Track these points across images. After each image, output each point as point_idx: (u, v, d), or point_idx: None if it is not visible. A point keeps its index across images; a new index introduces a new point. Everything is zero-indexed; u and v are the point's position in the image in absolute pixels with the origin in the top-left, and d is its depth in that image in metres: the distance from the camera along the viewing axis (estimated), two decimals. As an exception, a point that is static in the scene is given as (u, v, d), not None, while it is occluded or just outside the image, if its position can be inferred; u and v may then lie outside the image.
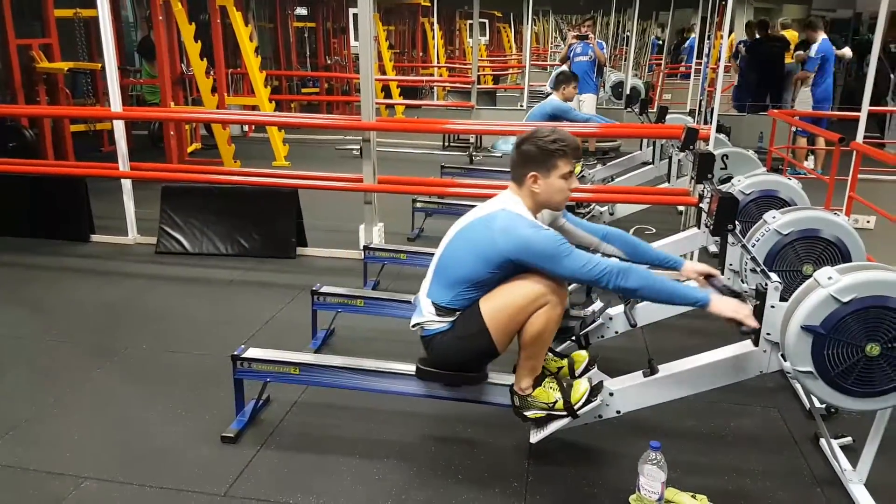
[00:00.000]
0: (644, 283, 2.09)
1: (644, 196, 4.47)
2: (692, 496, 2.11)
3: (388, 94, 12.44)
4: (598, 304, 2.95)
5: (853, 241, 2.66)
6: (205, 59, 6.89)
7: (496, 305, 2.19)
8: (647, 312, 2.93)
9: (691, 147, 3.44)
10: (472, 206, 5.03)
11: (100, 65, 6.98)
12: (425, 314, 2.30)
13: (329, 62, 12.98)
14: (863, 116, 3.52)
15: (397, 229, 5.07)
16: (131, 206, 4.74)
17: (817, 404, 2.42)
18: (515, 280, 2.19)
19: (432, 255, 3.86)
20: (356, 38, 10.41)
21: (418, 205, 5.09)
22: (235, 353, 2.52)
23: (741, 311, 2.09)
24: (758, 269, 2.12)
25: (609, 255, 2.45)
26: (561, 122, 5.74)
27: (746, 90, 8.60)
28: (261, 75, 7.72)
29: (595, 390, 2.23)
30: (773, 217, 2.70)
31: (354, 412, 2.68)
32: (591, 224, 2.61)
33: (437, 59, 15.49)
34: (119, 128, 4.61)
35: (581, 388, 2.22)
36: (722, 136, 4.72)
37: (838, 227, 2.66)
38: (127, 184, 4.69)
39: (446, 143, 9.39)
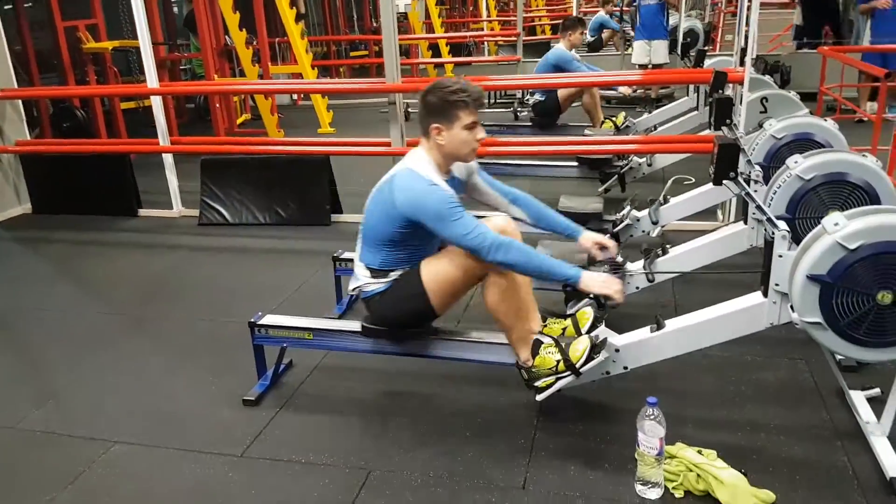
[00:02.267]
0: (520, 258, 2.14)
1: (662, 145, 4.29)
2: (698, 451, 2.07)
3: (437, 53, 12.31)
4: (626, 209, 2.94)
5: (883, 185, 2.49)
6: (244, 29, 6.96)
7: (434, 270, 2.26)
8: (667, 266, 2.87)
9: (720, 91, 3.28)
10: (509, 165, 5.05)
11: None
12: (360, 278, 2.37)
13: (375, 24, 12.90)
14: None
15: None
16: (174, 180, 4.91)
17: (839, 356, 2.31)
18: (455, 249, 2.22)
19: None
20: (395, -2, 10.44)
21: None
22: (252, 319, 2.61)
23: (611, 286, 2.16)
24: (763, 218, 2.02)
25: (516, 218, 2.48)
26: (565, 72, 5.58)
27: (806, 27, 8.07)
28: (303, 42, 7.77)
29: (597, 347, 2.20)
30: (796, 162, 2.56)
31: (372, 374, 2.74)
32: (503, 186, 2.60)
33: (488, 12, 15.17)
34: (157, 103, 4.75)
35: (580, 346, 2.20)
36: (767, 77, 4.47)
37: (866, 169, 2.49)
38: (168, 158, 4.86)
39: (492, 101, 9.24)
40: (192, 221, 4.83)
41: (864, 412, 2.25)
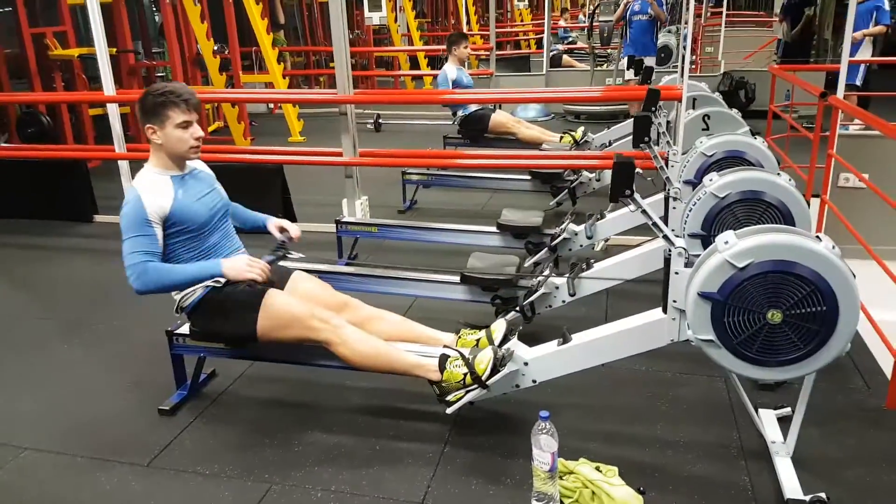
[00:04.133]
0: (159, 278, 2.25)
1: (605, 161, 4.31)
2: (597, 467, 2.07)
3: (416, 66, 12.36)
4: (546, 273, 2.92)
5: (796, 203, 2.51)
6: (212, 38, 6.98)
7: (274, 309, 2.33)
8: (591, 283, 2.88)
9: (653, 109, 3.31)
10: (467, 177, 5.05)
11: (114, 49, 7.22)
12: (176, 295, 2.41)
13: (350, 36, 12.92)
14: (843, 68, 3.29)
15: (392, 202, 5.09)
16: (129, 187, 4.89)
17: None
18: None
19: (408, 227, 3.97)
20: (369, 9, 10.49)
21: (408, 177, 5.07)
22: (169, 329, 2.60)
23: (249, 270, 2.31)
24: (660, 235, 2.04)
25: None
26: (465, 89, 5.54)
27: (794, 44, 8.18)
28: (274, 52, 7.79)
29: (502, 360, 2.20)
30: (711, 179, 2.58)
31: (294, 384, 2.73)
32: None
33: (469, 27, 15.24)
34: (112, 110, 4.74)
35: (484, 358, 2.20)
36: (715, 94, 4.51)
37: (780, 188, 2.51)
38: (124, 165, 4.85)
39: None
40: (146, 229, 4.81)
41: (771, 431, 2.26)
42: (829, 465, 2.18)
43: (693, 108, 4.22)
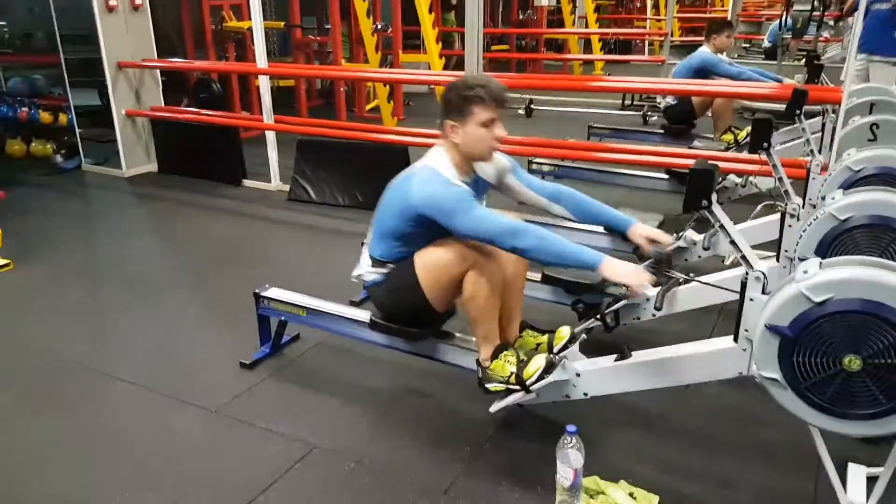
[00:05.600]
0: (536, 243, 2.02)
1: (757, 167, 3.89)
2: (630, 493, 1.92)
3: (589, 49, 11.99)
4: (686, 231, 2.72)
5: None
6: (371, 16, 7.23)
7: (426, 260, 2.19)
8: (688, 298, 2.65)
9: (797, 112, 2.94)
10: (599, 172, 4.79)
11: (283, 23, 7.73)
12: (363, 266, 2.36)
13: (521, 17, 12.83)
14: None
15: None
16: (274, 156, 5.26)
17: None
18: (448, 238, 2.15)
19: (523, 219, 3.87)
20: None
21: (534, 166, 4.94)
22: (256, 290, 2.76)
23: (634, 277, 2.00)
24: (738, 254, 1.82)
25: (559, 216, 2.46)
26: (710, 77, 5.15)
27: None
28: (433, 32, 7.91)
29: (550, 366, 2.10)
30: (833, 198, 2.26)
31: (367, 360, 2.80)
32: (543, 183, 2.48)
33: (657, 10, 14.47)
34: (263, 82, 5.10)
35: (535, 364, 2.11)
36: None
37: (915, 215, 2.14)
38: (270, 135, 5.20)
39: (627, 103, 8.88)
40: (284, 196, 5.15)
41: (854, 490, 1.96)
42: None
43: (871, 113, 3.73)
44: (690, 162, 4.28)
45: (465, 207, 2.07)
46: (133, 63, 5.54)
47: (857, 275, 1.60)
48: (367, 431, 2.35)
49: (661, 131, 5.75)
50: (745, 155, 4.76)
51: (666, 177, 4.61)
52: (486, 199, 2.43)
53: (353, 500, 2.04)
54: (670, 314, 2.69)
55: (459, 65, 10.17)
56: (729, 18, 8.55)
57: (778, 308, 1.67)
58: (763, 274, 1.79)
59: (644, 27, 14.90)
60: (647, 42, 14.03)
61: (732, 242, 1.83)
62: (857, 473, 2.04)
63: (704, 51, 5.21)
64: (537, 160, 4.92)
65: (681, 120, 5.50)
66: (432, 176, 2.15)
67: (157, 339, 3.03)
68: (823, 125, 4.25)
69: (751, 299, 1.81)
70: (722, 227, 1.83)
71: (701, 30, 12.87)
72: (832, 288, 1.60)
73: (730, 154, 4.69)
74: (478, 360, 2.25)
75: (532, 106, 8.26)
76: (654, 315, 2.71)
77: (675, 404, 2.45)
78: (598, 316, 2.66)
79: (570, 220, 2.50)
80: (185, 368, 2.77)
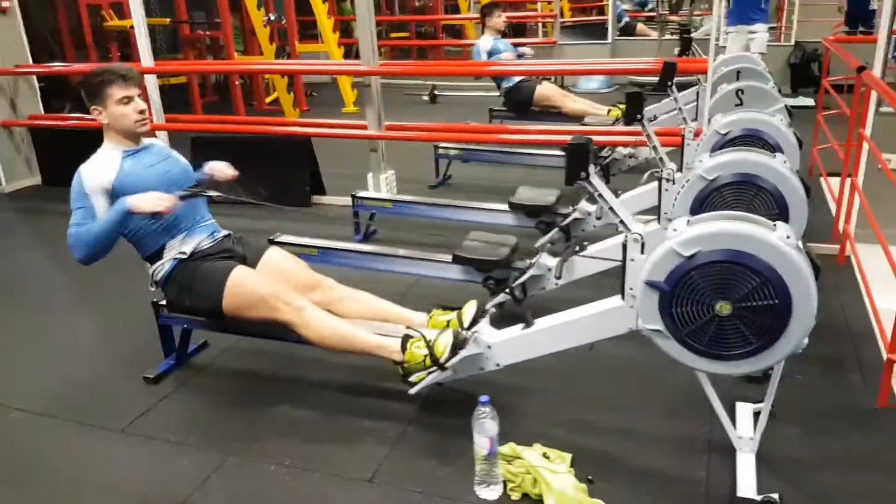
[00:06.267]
0: (85, 241, 2.30)
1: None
2: (544, 454, 2.03)
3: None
4: (542, 256, 2.86)
5: (791, 190, 2.34)
6: (262, 8, 7.10)
7: (240, 287, 2.39)
8: (585, 266, 2.79)
9: (668, 84, 3.13)
10: (504, 153, 4.92)
11: (168, 20, 7.48)
12: (149, 269, 2.55)
13: (418, 4, 12.86)
14: (880, 40, 3.01)
15: (425, 177, 5.07)
16: (170, 157, 5.10)
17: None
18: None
19: (420, 203, 3.95)
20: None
21: (440, 151, 5.03)
22: (155, 300, 2.70)
23: (158, 203, 2.27)
24: (616, 220, 1.95)
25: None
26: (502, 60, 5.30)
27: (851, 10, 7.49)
28: (329, 21, 7.84)
29: (461, 342, 2.18)
30: (700, 160, 2.45)
31: (277, 359, 2.77)
32: None
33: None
34: (151, 81, 4.93)
35: (443, 341, 2.19)
36: (762, 67, 4.22)
37: (775, 172, 2.35)
38: (162, 135, 5.03)
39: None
40: (183, 197, 5.00)
41: (743, 427, 2.15)
42: (798, 466, 2.06)
43: (738, 80, 3.99)
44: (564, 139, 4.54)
45: (77, 204, 2.35)
46: (4, 70, 5.23)
47: (720, 228, 1.76)
48: (286, 431, 2.35)
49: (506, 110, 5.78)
50: (628, 128, 5.01)
51: (562, 154, 4.78)
52: (173, 156, 2.65)
53: (274, 502, 2.05)
54: (572, 281, 2.84)
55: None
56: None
57: (654, 265, 1.81)
58: (640, 236, 1.93)
59: (536, 10, 15.20)
60: (540, 25, 14.32)
61: (611, 209, 1.95)
62: (745, 410, 2.23)
63: (484, 37, 5.37)
64: (443, 145, 5.00)
65: (520, 101, 5.54)
66: (82, 167, 2.39)
67: (51, 360, 2.91)
68: (698, 94, 4.55)
69: (632, 260, 1.94)
70: (601, 195, 1.95)
71: (591, 9, 13.28)
72: (699, 242, 1.75)
73: (615, 128, 4.92)
74: (393, 362, 2.30)
75: (436, 92, 8.33)
76: (556, 284, 2.85)
77: (580, 366, 2.58)
78: (508, 290, 2.79)
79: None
80: (84, 389, 2.67)
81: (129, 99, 2.40)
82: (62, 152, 5.33)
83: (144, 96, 6.10)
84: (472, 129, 4.78)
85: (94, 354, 2.95)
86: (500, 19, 5.41)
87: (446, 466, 2.13)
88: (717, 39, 7.73)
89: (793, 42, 7.71)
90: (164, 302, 2.67)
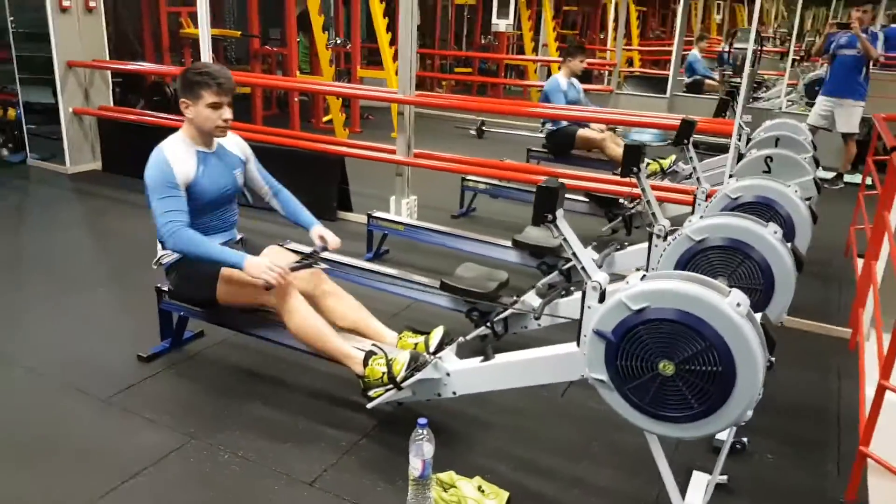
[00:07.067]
0: (187, 247, 2.39)
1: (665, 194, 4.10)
2: (479, 487, 2.04)
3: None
4: (528, 296, 2.89)
5: (780, 261, 2.32)
6: (331, 31, 7.40)
7: (230, 273, 2.45)
8: (568, 309, 2.80)
9: (685, 142, 3.14)
10: (529, 192, 4.97)
11: (239, 32, 7.86)
12: (159, 251, 2.62)
13: (483, 42, 13.10)
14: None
15: (449, 206, 5.17)
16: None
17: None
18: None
19: (430, 230, 4.03)
20: (497, 16, 10.59)
21: (469, 184, 5.12)
22: (158, 285, 2.85)
23: (267, 272, 2.31)
24: (578, 266, 1.97)
25: (274, 208, 2.88)
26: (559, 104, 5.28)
27: None
28: (390, 50, 8.10)
29: (418, 364, 2.22)
30: (690, 220, 2.45)
31: (264, 357, 2.89)
32: (271, 179, 2.91)
33: (628, 40, 14.77)
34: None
35: (400, 360, 2.23)
36: (803, 137, 4.16)
37: (766, 243, 2.33)
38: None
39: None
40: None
41: (693, 495, 2.11)
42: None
43: (776, 147, 3.97)
44: (608, 187, 4.56)
45: (162, 192, 2.41)
46: (83, 63, 5.62)
47: (672, 287, 1.76)
48: (250, 425, 2.44)
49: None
50: (669, 183, 4.99)
51: (586, 199, 4.81)
52: (241, 171, 2.74)
53: (213, 488, 2.13)
54: (556, 324, 2.84)
55: (420, 84, 10.34)
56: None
57: (603, 315, 1.83)
58: (599, 284, 1.95)
59: (605, 58, 15.28)
60: (607, 72, 14.39)
61: (574, 254, 1.98)
62: (700, 480, 2.19)
63: (555, 76, 5.37)
64: (471, 178, 5.08)
65: (560, 144, 5.57)
66: (155, 155, 2.47)
67: (65, 330, 3.10)
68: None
69: (589, 307, 1.96)
70: (565, 239, 1.98)
71: (659, 61, 13.28)
72: (649, 297, 1.76)
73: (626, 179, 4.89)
74: (356, 374, 2.36)
75: (483, 127, 8.47)
76: (538, 325, 2.86)
77: (548, 410, 2.59)
78: (488, 324, 2.83)
79: (280, 214, 2.88)
80: (85, 359, 2.84)
81: (219, 105, 2.47)
82: (123, 144, 5.71)
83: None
84: (499, 165, 4.84)
85: (102, 330, 3.14)
86: (581, 63, 5.42)
87: (386, 483, 2.17)
88: (781, 107, 7.67)
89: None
90: (166, 289, 2.81)
